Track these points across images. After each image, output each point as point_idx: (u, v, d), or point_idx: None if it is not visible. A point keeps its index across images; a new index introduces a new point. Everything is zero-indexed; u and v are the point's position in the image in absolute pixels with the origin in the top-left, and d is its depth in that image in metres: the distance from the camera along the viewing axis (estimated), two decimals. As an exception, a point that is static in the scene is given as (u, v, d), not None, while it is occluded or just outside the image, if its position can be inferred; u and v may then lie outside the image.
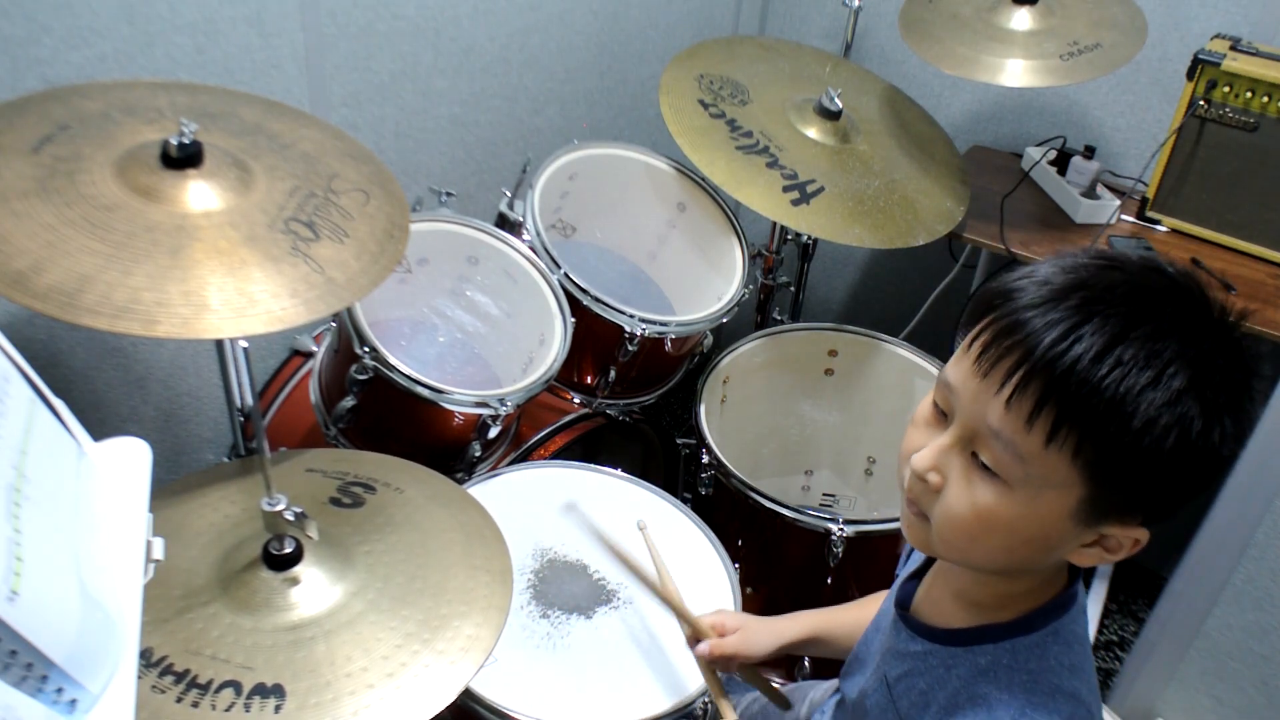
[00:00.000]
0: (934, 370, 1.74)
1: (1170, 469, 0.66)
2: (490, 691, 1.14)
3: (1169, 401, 0.64)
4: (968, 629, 0.81)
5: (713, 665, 1.11)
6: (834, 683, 1.26)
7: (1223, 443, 0.66)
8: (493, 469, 1.50)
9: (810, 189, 1.65)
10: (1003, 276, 0.72)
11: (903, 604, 0.89)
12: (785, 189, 1.63)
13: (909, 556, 0.99)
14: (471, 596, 1.03)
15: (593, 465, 1.49)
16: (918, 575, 0.91)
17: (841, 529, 1.45)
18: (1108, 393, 0.64)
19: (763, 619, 1.14)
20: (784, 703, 1.19)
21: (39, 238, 0.94)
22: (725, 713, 1.06)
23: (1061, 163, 1.94)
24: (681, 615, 1.12)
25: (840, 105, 1.74)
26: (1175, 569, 1.71)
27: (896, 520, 1.48)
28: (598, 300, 1.55)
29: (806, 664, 1.48)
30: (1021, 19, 1.68)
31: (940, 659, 0.82)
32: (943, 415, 0.75)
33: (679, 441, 1.71)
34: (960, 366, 0.72)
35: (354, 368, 1.34)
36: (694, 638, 1.12)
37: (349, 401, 1.39)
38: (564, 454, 1.62)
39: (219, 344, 1.21)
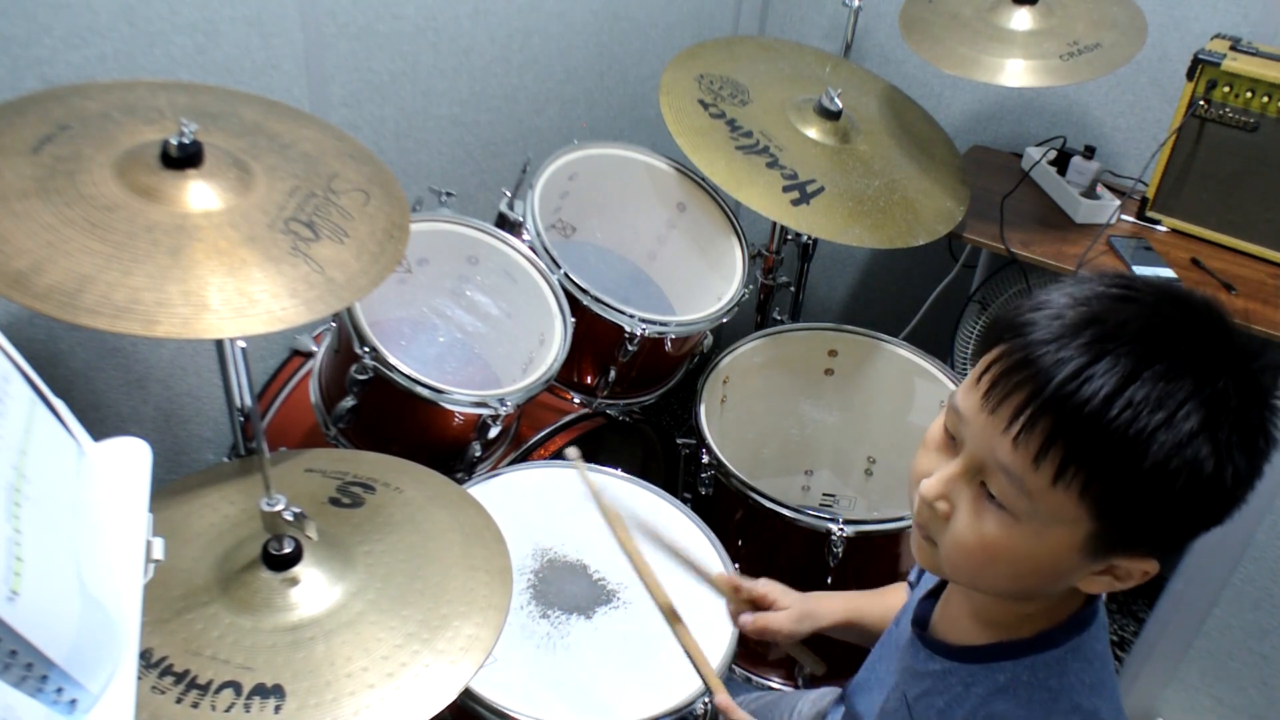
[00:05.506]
0: (934, 370, 1.74)
1: (1179, 508, 0.65)
2: (490, 691, 1.14)
3: (1180, 443, 0.62)
4: (986, 646, 0.80)
5: (756, 636, 1.10)
6: (823, 692, 1.25)
7: (1235, 483, 0.65)
8: (493, 469, 1.50)
9: (810, 189, 1.65)
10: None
11: (920, 623, 0.88)
12: (785, 189, 1.63)
13: (922, 574, 0.98)
14: (471, 596, 1.03)
15: (593, 465, 1.49)
16: (934, 594, 0.90)
17: (841, 529, 1.45)
18: (1117, 434, 0.63)
19: (805, 601, 1.12)
20: (818, 664, 1.20)
21: (39, 238, 0.94)
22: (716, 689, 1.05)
23: (1061, 163, 1.94)
24: (726, 587, 1.10)
25: (840, 105, 1.74)
26: (1175, 569, 1.71)
27: (896, 520, 1.48)
28: (598, 300, 1.55)
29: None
30: (1021, 19, 1.68)
31: (959, 677, 0.80)
32: (953, 440, 0.73)
33: (679, 441, 1.71)
34: (970, 397, 0.70)
35: (354, 368, 1.34)
36: (736, 611, 1.10)
37: (349, 401, 1.39)
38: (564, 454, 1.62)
39: (219, 344, 1.21)
